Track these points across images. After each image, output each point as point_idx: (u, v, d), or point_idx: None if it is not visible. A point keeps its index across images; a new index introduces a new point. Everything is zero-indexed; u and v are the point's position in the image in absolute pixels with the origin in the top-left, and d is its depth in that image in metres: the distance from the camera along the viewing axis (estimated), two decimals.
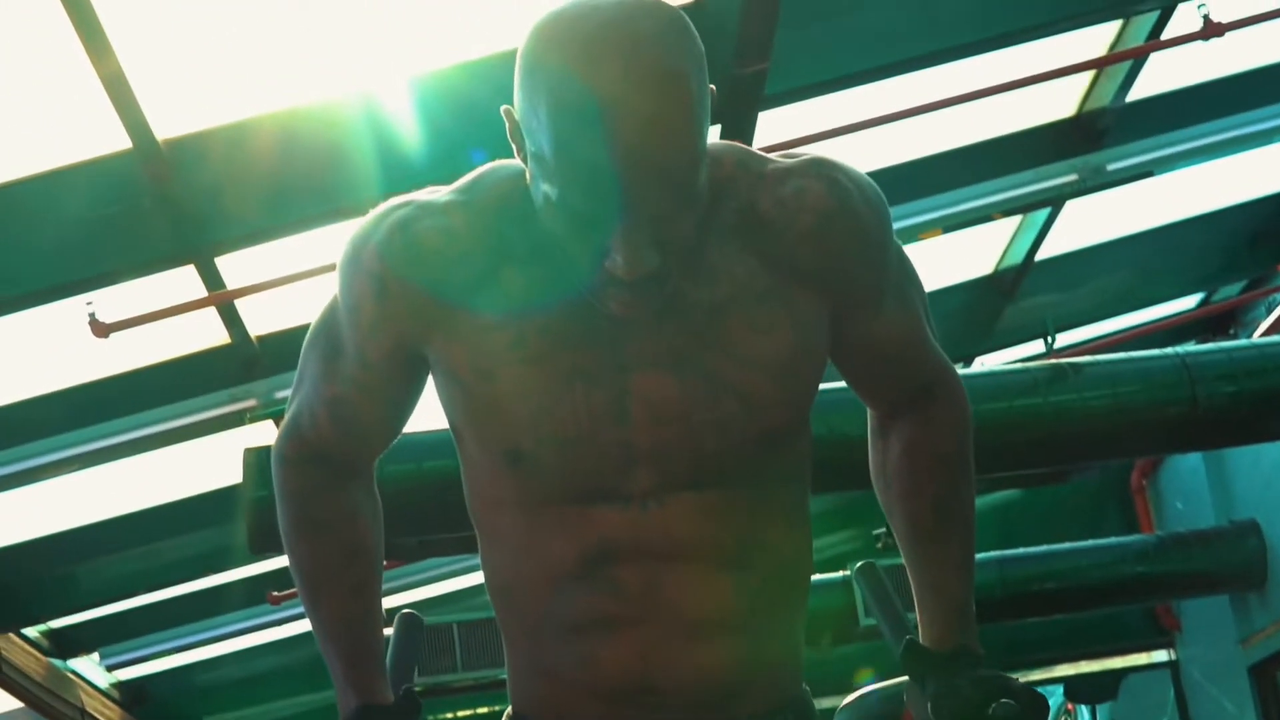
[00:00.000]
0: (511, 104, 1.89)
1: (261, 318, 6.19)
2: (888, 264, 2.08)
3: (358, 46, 5.13)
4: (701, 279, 1.96)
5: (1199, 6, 5.56)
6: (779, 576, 2.09)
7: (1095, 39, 6.06)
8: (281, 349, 6.20)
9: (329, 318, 2.09)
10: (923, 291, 2.19)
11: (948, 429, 2.21)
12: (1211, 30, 5.58)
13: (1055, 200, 6.84)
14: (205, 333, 6.19)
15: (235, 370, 6.34)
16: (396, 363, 2.04)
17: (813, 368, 2.05)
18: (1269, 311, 8.34)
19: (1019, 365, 6.37)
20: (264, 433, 6.65)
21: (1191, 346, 6.10)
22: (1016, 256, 7.69)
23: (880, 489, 2.26)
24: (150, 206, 5.12)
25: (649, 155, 1.76)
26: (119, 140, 4.96)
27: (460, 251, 1.97)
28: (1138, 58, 5.98)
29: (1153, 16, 5.84)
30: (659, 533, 1.98)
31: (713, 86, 1.85)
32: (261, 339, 6.28)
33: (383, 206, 2.04)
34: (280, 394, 6.28)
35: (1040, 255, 7.64)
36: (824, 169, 2.02)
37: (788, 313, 1.99)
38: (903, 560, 2.24)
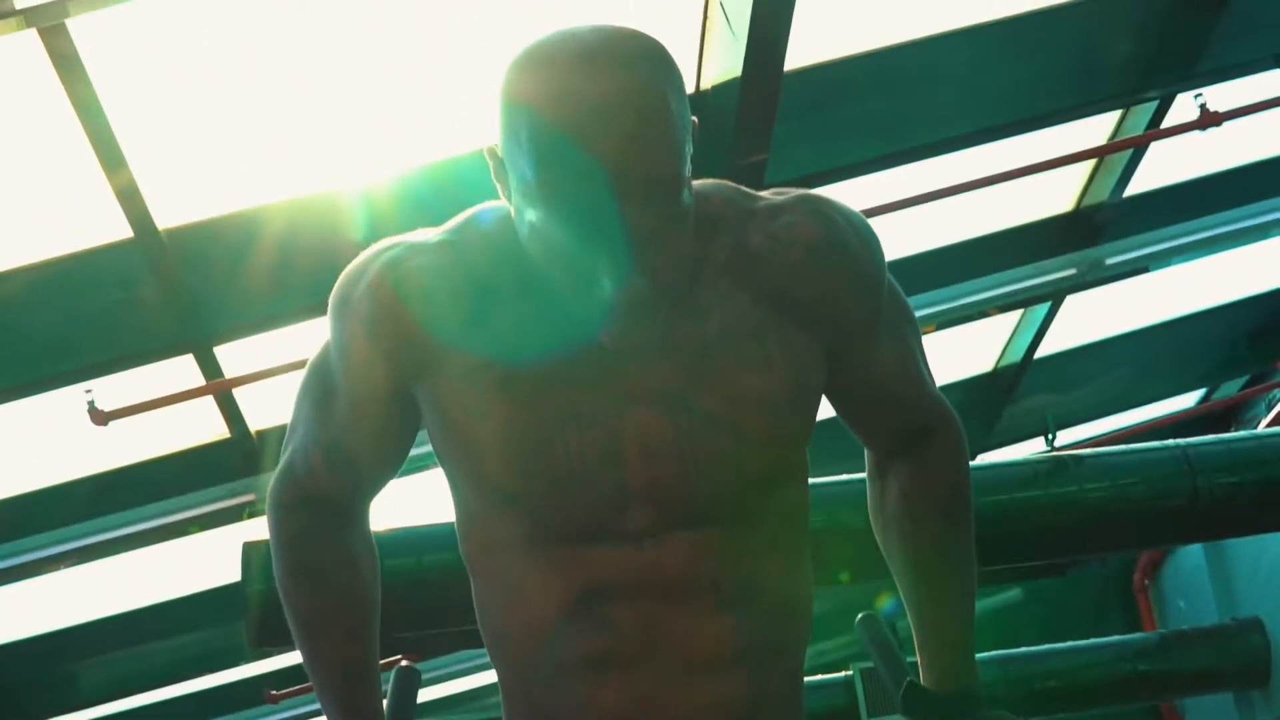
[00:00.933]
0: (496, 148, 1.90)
1: (261, 412, 6.18)
2: (881, 299, 2.07)
3: (357, 140, 5.16)
4: (694, 316, 1.95)
5: (1195, 97, 5.60)
6: (778, 616, 2.07)
7: (1095, 132, 6.10)
8: (282, 443, 6.18)
9: (320, 363, 2.09)
10: (919, 331, 2.18)
11: (946, 470, 2.21)
12: (1209, 120, 5.61)
13: (1053, 295, 6.86)
14: (205, 427, 6.18)
15: (235, 464, 6.31)
16: (388, 404, 2.03)
17: (807, 404, 2.04)
18: (1269, 409, 8.33)
19: (1019, 458, 6.36)
20: (263, 528, 6.62)
21: (1192, 439, 6.08)
22: (1016, 354, 7.69)
23: (879, 531, 2.25)
24: (151, 295, 5.15)
25: (631, 171, 1.76)
26: (120, 229, 4.99)
27: (450, 291, 1.97)
28: (1137, 147, 6.00)
29: (1151, 107, 5.87)
30: (655, 572, 1.96)
31: (695, 118, 1.86)
32: (261, 433, 6.26)
33: (373, 248, 2.04)
34: None
35: (1040, 353, 7.64)
36: (814, 204, 2.03)
37: (781, 349, 1.98)
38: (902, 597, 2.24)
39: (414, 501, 6.62)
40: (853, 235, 2.02)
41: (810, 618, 2.15)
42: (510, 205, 1.91)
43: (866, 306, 2.05)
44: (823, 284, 1.99)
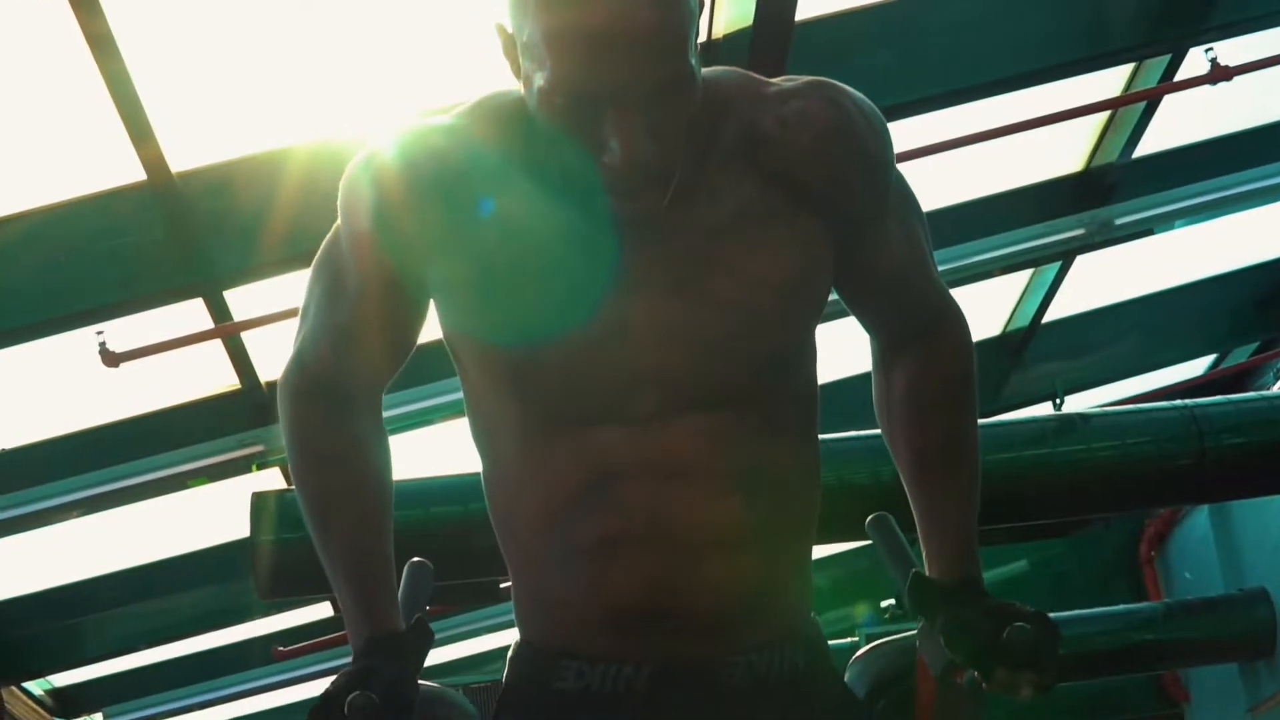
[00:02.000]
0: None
1: (272, 362, 6.19)
2: (889, 185, 2.08)
3: (375, 86, 5.15)
4: (703, 199, 1.97)
5: (1206, 51, 5.60)
6: (786, 499, 2.09)
7: (1106, 90, 6.09)
8: None
9: (330, 249, 2.11)
10: (925, 223, 2.20)
11: (951, 359, 2.22)
12: (1219, 74, 5.62)
13: (1063, 255, 6.86)
14: (215, 377, 6.20)
15: (245, 415, 6.33)
16: (397, 286, 2.05)
17: (817, 286, 2.05)
18: (1278, 377, 8.34)
19: (1027, 416, 6.37)
20: (272, 479, 6.65)
21: (1200, 399, 6.09)
22: (1024, 318, 7.69)
23: (883, 421, 2.27)
24: (162, 239, 5.16)
25: (636, 19, 1.77)
26: (134, 172, 5.01)
27: (460, 171, 1.98)
28: (1149, 100, 6.00)
29: (1162, 64, 5.88)
30: (663, 453, 1.97)
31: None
32: (272, 384, 6.27)
33: (383, 132, 2.05)
34: None
35: (1048, 317, 7.64)
36: (826, 89, 2.03)
37: (791, 231, 1.99)
38: (908, 495, 2.25)
39: (422, 454, 6.64)
40: (863, 120, 2.03)
41: (818, 500, 2.16)
42: (520, 81, 1.92)
43: (875, 190, 2.06)
44: (832, 167, 2.00)
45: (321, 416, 2.13)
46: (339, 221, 2.09)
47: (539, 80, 1.83)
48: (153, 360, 5.66)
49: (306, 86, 5.14)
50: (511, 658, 2.16)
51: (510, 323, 1.97)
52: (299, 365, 2.15)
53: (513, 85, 1.99)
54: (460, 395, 2.17)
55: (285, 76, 5.09)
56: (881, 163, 2.06)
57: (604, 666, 2.05)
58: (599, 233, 1.94)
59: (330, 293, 2.10)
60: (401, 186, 1.99)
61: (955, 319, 2.24)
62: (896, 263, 2.14)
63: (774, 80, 2.07)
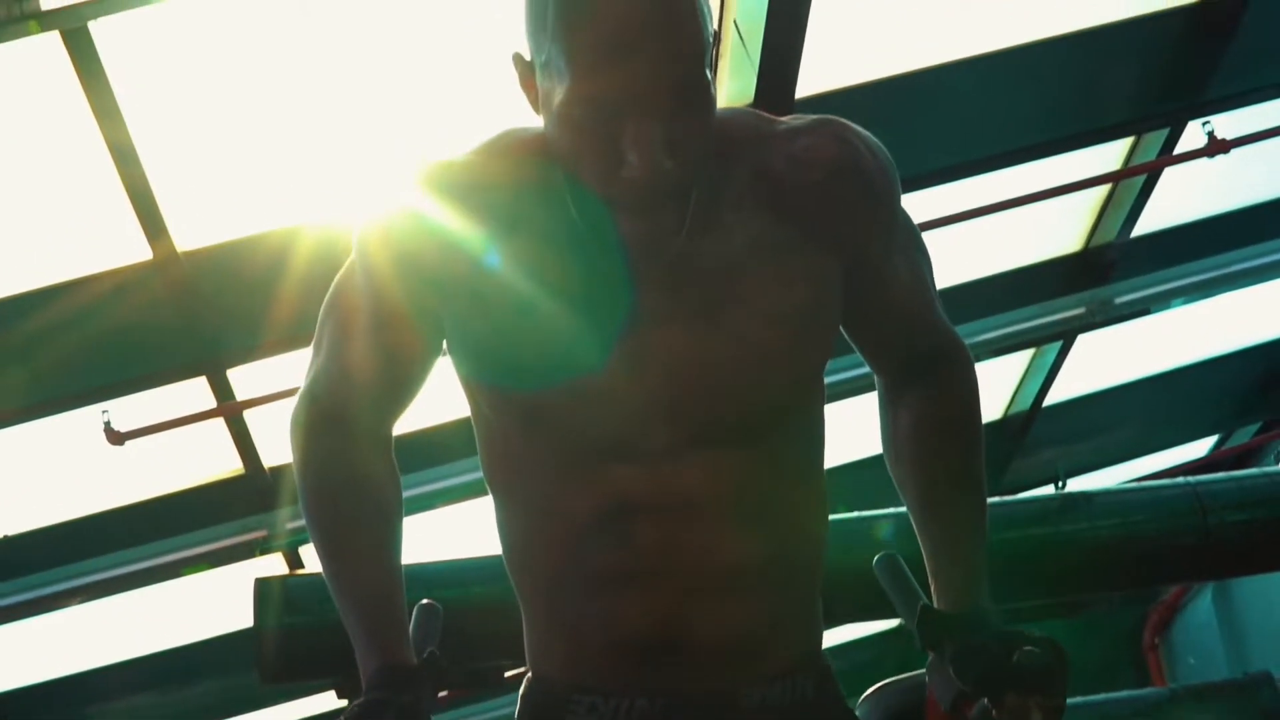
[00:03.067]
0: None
1: (276, 448, 6.20)
2: (896, 220, 2.10)
3: (380, 170, 5.17)
4: (717, 237, 1.98)
5: (1203, 125, 5.66)
6: (795, 534, 2.10)
7: (1104, 164, 6.14)
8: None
9: (344, 284, 2.12)
10: (930, 262, 2.21)
11: (957, 395, 2.23)
12: (1217, 147, 5.68)
13: (1063, 335, 6.87)
14: (219, 461, 6.20)
15: (248, 501, 6.32)
16: (411, 323, 2.06)
17: (827, 323, 2.07)
18: (1278, 460, 8.34)
19: (1030, 495, 6.37)
20: (275, 566, 6.64)
21: (1202, 476, 6.10)
22: (1025, 402, 7.70)
23: (891, 459, 2.26)
24: (168, 318, 5.18)
25: (653, 27, 1.79)
26: (140, 251, 5.04)
27: (475, 210, 1.99)
28: (1149, 173, 6.04)
29: (1160, 139, 5.93)
30: (676, 489, 1.99)
31: (716, 29, 1.90)
32: (275, 469, 6.28)
33: (400, 168, 2.06)
34: (291, 525, 6.28)
35: (1049, 400, 7.65)
36: (834, 127, 2.06)
37: (802, 269, 2.01)
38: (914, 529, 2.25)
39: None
40: (870, 157, 2.05)
41: (825, 541, 2.18)
42: (537, 110, 1.94)
43: (883, 226, 2.08)
44: (841, 204, 2.02)
45: (331, 449, 2.13)
46: (354, 256, 2.10)
47: (558, 96, 1.84)
48: (157, 444, 5.67)
49: (312, 168, 5.17)
50: (523, 694, 2.17)
51: (525, 359, 1.99)
52: (310, 399, 2.15)
53: (530, 121, 2.02)
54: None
55: (291, 158, 5.12)
56: (889, 199, 2.08)
57: (617, 700, 2.06)
58: (613, 268, 1.96)
59: (343, 329, 2.11)
60: (418, 225, 2.01)
61: (960, 355, 2.25)
62: (903, 298, 2.16)
63: (782, 119, 2.10)
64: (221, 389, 5.58)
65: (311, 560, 6.69)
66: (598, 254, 1.96)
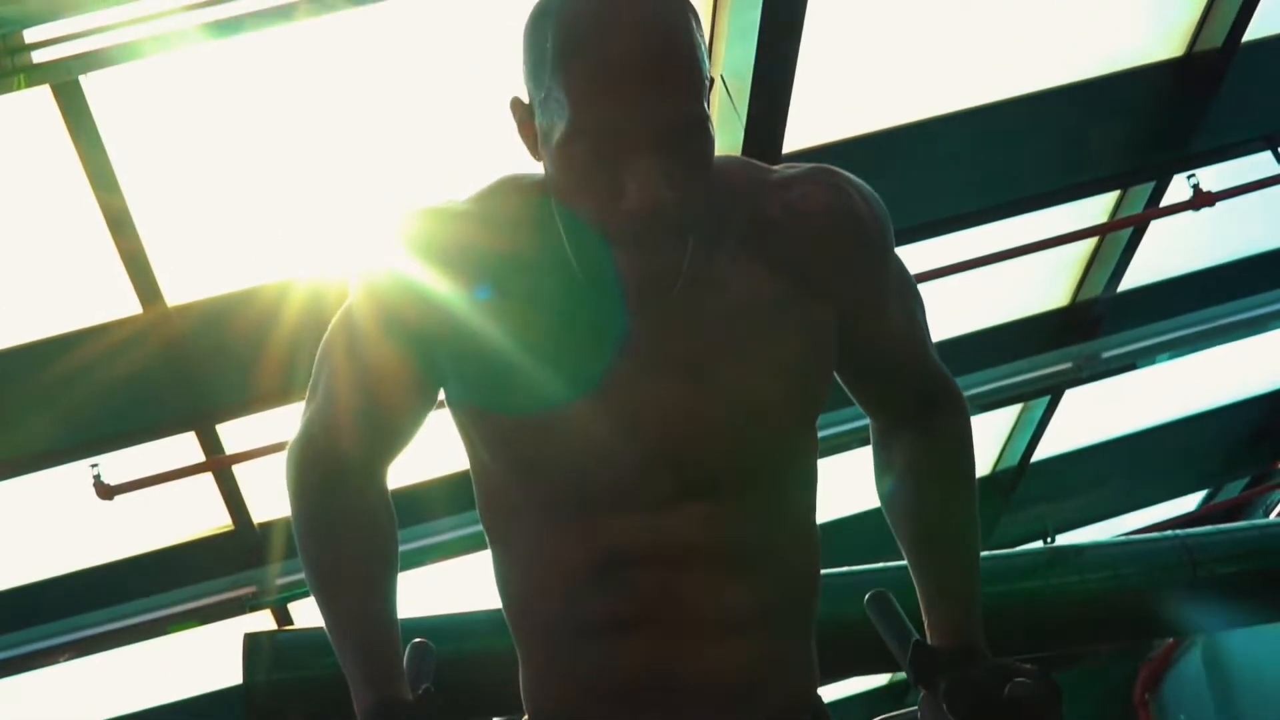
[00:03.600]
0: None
1: (265, 504, 6.19)
2: (889, 269, 2.13)
3: (368, 222, 5.19)
4: (714, 287, 2.00)
5: (1189, 178, 5.69)
6: (789, 581, 2.12)
7: (1091, 219, 6.17)
8: (285, 535, 6.20)
9: (342, 326, 2.13)
10: (923, 305, 2.24)
11: (952, 437, 2.25)
12: (1202, 200, 5.71)
13: (1051, 389, 6.89)
14: (208, 517, 6.19)
15: (238, 557, 6.30)
16: (407, 369, 2.07)
17: (822, 373, 2.09)
18: (1267, 514, 8.36)
19: (1020, 550, 6.36)
20: (264, 622, 6.61)
21: (1191, 529, 6.10)
22: (1013, 458, 7.71)
23: (886, 499, 2.29)
24: (158, 372, 5.18)
25: (653, 60, 1.81)
26: (130, 305, 5.06)
27: (473, 260, 2.01)
28: (1135, 226, 6.08)
29: (1146, 193, 5.96)
30: (672, 539, 2.01)
31: (712, 75, 1.92)
32: (264, 525, 6.27)
33: (397, 214, 2.08)
34: (281, 580, 6.27)
35: (1037, 456, 7.66)
36: (827, 175, 2.09)
37: (798, 318, 2.03)
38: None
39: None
40: (864, 205, 2.08)
41: (819, 585, 2.19)
42: (535, 154, 1.96)
43: (877, 274, 2.10)
44: (837, 252, 2.04)
45: (327, 486, 2.13)
46: (349, 302, 2.11)
47: (558, 131, 1.86)
48: (145, 500, 5.66)
49: (301, 224, 5.18)
50: None
51: (522, 409, 2.00)
52: (306, 437, 2.16)
53: (529, 167, 2.04)
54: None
55: (280, 213, 5.12)
56: (883, 246, 2.11)
57: None
58: (610, 319, 1.98)
59: (340, 370, 2.12)
60: (412, 275, 2.02)
61: (954, 397, 2.27)
62: (897, 343, 2.18)
63: (775, 167, 2.12)
64: (211, 444, 5.57)
65: (301, 616, 6.68)
66: (594, 304, 1.98)
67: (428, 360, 2.06)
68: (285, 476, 2.18)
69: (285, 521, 6.22)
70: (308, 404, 2.18)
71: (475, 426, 2.08)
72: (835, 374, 2.17)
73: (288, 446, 2.19)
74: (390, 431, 2.15)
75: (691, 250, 1.98)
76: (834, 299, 2.06)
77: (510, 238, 2.02)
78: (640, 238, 1.88)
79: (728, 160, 2.10)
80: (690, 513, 2.01)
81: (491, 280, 2.00)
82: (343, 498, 2.14)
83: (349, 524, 2.13)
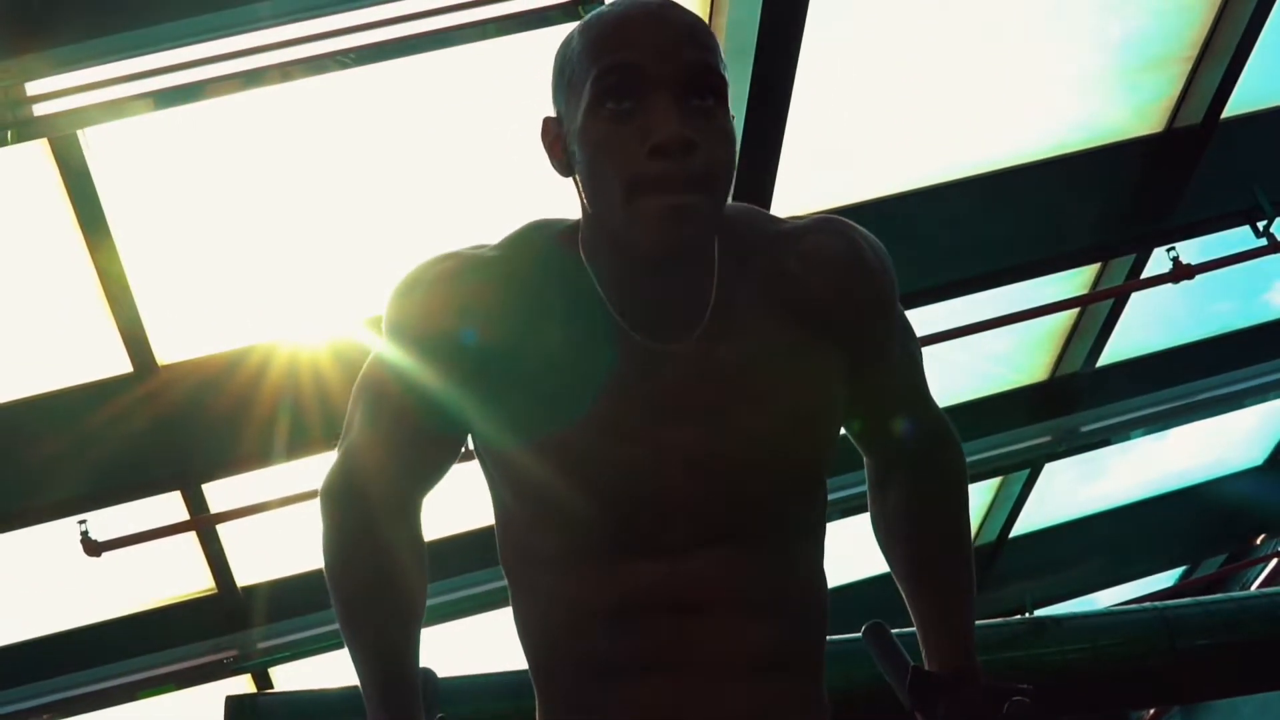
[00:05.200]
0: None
1: (249, 568, 6.20)
2: (896, 315, 2.21)
3: (361, 289, 5.22)
4: (733, 338, 2.07)
5: (1168, 251, 5.77)
6: (803, 623, 2.17)
7: (1071, 293, 6.25)
8: (267, 600, 6.22)
9: (373, 370, 2.20)
10: (919, 347, 2.32)
11: (948, 468, 2.35)
12: (1181, 273, 5.78)
13: (1030, 462, 6.94)
14: (191, 579, 6.19)
15: (218, 620, 6.30)
16: (436, 412, 2.13)
17: (834, 418, 2.17)
18: (1245, 589, 8.39)
19: (1000, 620, 6.39)
20: (244, 686, 6.61)
21: (1170, 601, 6.13)
22: (991, 533, 7.76)
23: (881, 534, 2.37)
24: (145, 430, 5.20)
25: (675, 14, 1.98)
26: (121, 363, 5.10)
27: (500, 306, 2.08)
28: (1116, 298, 6.15)
29: (1126, 266, 6.04)
30: (690, 584, 2.06)
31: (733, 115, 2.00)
32: (247, 589, 6.27)
33: (427, 259, 2.15)
34: (263, 645, 6.28)
35: (1015, 531, 7.71)
36: (837, 225, 2.18)
37: (814, 366, 2.10)
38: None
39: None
40: (872, 254, 2.17)
41: (827, 625, 2.24)
42: (563, 169, 2.06)
43: (885, 323, 2.19)
44: (849, 300, 2.12)
45: (357, 521, 2.19)
46: (382, 344, 2.18)
47: (583, 101, 1.97)
48: (130, 561, 5.67)
49: (291, 285, 5.22)
50: None
51: (545, 452, 2.06)
52: (340, 472, 2.21)
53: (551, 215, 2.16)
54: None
55: (270, 275, 5.18)
56: (890, 294, 2.19)
57: None
58: (633, 366, 2.05)
59: (372, 409, 2.18)
60: (443, 317, 2.09)
61: (949, 434, 2.37)
62: (900, 387, 2.27)
63: (782, 218, 2.22)
64: (197, 503, 5.60)
65: (282, 681, 6.68)
66: (620, 350, 2.05)
67: (455, 405, 2.12)
68: (320, 506, 2.23)
69: (269, 585, 6.24)
70: (342, 440, 2.24)
71: (498, 468, 2.14)
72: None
73: (322, 483, 2.25)
74: (419, 472, 2.21)
75: (713, 305, 2.07)
76: (845, 346, 2.13)
77: (538, 284, 2.09)
78: (665, 175, 1.92)
79: (739, 208, 2.18)
80: (708, 559, 2.07)
81: (517, 329, 2.07)
82: (367, 533, 2.19)
83: (376, 556, 2.18)
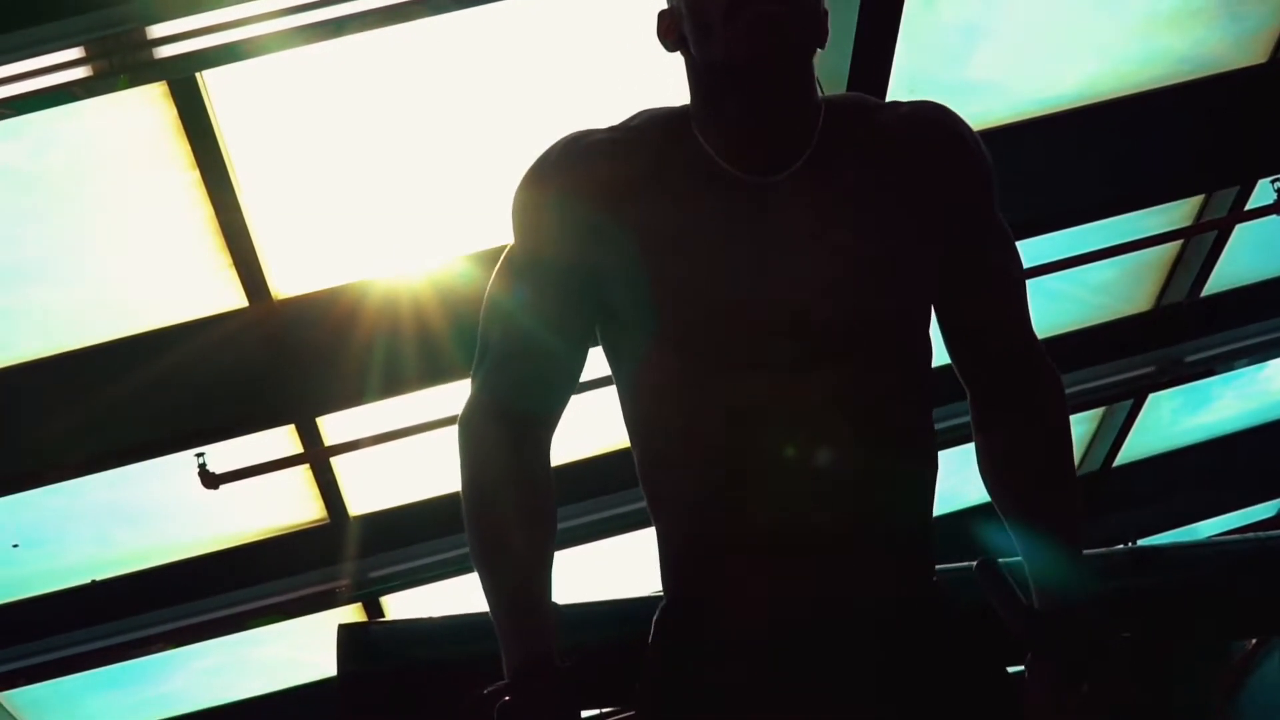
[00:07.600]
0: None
1: (361, 497, 6.32)
2: (993, 212, 2.31)
3: (476, 223, 5.28)
4: (831, 176, 2.20)
5: (1273, 182, 5.74)
6: (909, 454, 2.28)
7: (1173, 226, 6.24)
8: (379, 529, 6.31)
9: (503, 270, 2.32)
10: (1025, 281, 2.40)
11: (1051, 417, 2.38)
12: None
13: (1134, 393, 6.93)
14: (303, 509, 6.29)
15: (331, 550, 6.40)
16: (573, 277, 2.26)
17: (928, 267, 2.25)
18: None
19: (1102, 550, 6.40)
20: (355, 613, 6.71)
21: (1272, 531, 6.11)
22: (1094, 464, 7.76)
23: (989, 478, 2.40)
24: (262, 363, 5.29)
25: None
26: (236, 298, 5.21)
27: (624, 170, 2.23)
28: (1220, 229, 6.13)
29: (1230, 195, 6.02)
30: (801, 398, 2.16)
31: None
32: (359, 519, 6.36)
33: (553, 144, 2.31)
34: (375, 574, 6.38)
35: (1117, 461, 7.72)
36: (941, 107, 2.30)
37: (907, 208, 2.21)
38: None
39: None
40: (971, 136, 2.29)
41: (936, 472, 2.33)
42: (676, 44, 2.24)
43: (979, 200, 2.29)
44: (945, 163, 2.25)
45: (493, 446, 2.29)
46: (514, 231, 2.32)
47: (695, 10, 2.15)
48: (244, 493, 5.78)
49: (411, 221, 5.31)
50: (658, 620, 2.33)
51: (666, 287, 2.19)
52: (476, 398, 2.32)
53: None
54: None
55: (390, 210, 5.25)
56: (987, 182, 2.30)
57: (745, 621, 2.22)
58: (742, 209, 2.19)
59: (504, 326, 2.31)
60: (575, 178, 2.26)
61: (1050, 375, 2.40)
62: (999, 300, 2.34)
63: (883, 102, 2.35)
64: (310, 435, 5.69)
65: (393, 610, 6.79)
66: (726, 194, 2.20)
67: (588, 270, 2.25)
68: (457, 435, 2.32)
69: (380, 514, 6.34)
70: (477, 365, 2.34)
71: (626, 315, 2.26)
72: (941, 331, 2.34)
73: (461, 412, 2.34)
74: (556, 379, 2.33)
75: (816, 135, 2.21)
76: (938, 209, 2.23)
77: (656, 149, 2.25)
78: (763, 31, 2.11)
79: (849, 95, 2.35)
80: (817, 375, 2.16)
81: (641, 190, 2.23)
82: (504, 461, 2.28)
83: (510, 487, 2.27)
